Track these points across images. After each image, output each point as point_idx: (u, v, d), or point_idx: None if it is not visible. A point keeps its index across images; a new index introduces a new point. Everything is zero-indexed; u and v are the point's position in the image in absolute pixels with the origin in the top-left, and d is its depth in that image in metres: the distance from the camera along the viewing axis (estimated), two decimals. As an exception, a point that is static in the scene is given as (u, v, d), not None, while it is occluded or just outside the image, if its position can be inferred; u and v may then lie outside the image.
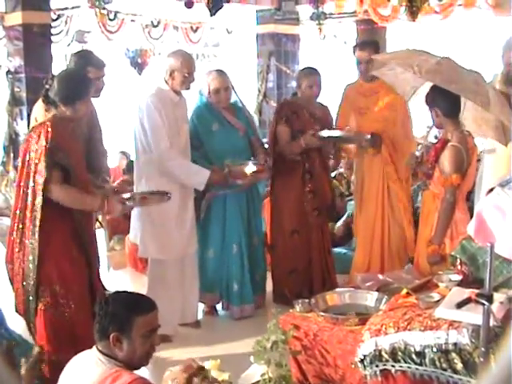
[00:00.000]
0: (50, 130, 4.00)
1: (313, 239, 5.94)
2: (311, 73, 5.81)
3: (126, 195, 4.70)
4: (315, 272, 5.95)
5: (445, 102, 4.41)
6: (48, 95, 4.16)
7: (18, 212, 4.13)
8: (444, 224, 4.42)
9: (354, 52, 5.83)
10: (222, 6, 7.68)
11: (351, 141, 5.82)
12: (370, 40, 6.39)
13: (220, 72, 5.63)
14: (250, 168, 5.46)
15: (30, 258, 4.05)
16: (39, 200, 4.01)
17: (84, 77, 4.36)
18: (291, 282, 5.86)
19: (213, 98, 5.58)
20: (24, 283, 4.12)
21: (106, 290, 4.45)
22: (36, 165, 4.01)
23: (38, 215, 4.01)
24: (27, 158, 4.07)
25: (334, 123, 6.02)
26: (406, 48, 5.15)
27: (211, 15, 7.79)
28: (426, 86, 4.66)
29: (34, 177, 4.03)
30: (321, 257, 6.00)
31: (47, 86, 4.17)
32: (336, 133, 5.70)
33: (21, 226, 4.11)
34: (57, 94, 4.11)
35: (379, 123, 5.70)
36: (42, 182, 3.98)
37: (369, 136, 5.59)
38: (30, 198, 4.05)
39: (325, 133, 5.63)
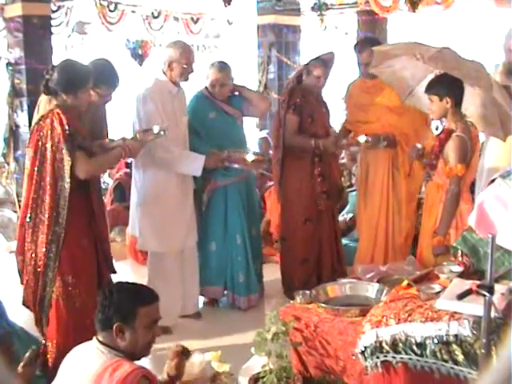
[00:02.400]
0: (63, 116, 4.01)
1: (324, 227, 5.95)
2: (322, 64, 5.76)
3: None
4: (325, 260, 5.97)
5: (458, 92, 4.41)
6: (48, 85, 4.16)
7: (30, 203, 4.12)
8: (449, 215, 4.41)
9: (355, 50, 5.77)
10: None
11: (369, 147, 5.76)
12: (370, 38, 6.26)
13: (222, 67, 5.61)
14: (250, 156, 5.49)
15: (53, 246, 4.04)
16: (67, 186, 4.01)
17: (85, 66, 4.36)
18: (302, 272, 5.87)
19: (210, 90, 5.60)
20: (36, 275, 4.11)
21: (111, 278, 4.47)
22: (54, 152, 4.01)
23: (66, 203, 4.02)
24: (40, 147, 4.06)
25: (330, 121, 6.10)
26: (403, 41, 5.14)
27: (226, 5, 7.73)
28: (423, 87, 4.67)
29: (52, 165, 4.02)
30: (331, 245, 6.02)
31: (47, 76, 4.17)
32: (355, 149, 5.87)
33: (33, 216, 4.10)
34: (58, 82, 4.11)
35: (387, 116, 5.63)
36: (68, 168, 3.99)
37: (385, 143, 5.57)
38: (45, 187, 4.04)
39: (346, 147, 5.79)
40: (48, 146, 4.02)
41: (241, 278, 5.68)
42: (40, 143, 4.06)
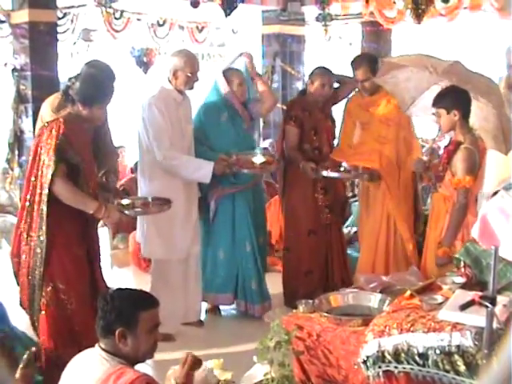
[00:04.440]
0: (62, 126, 4.03)
1: (329, 239, 5.95)
2: (326, 72, 5.80)
3: (126, 202, 4.68)
4: (336, 272, 5.97)
5: (466, 104, 4.43)
6: (68, 92, 4.19)
7: (27, 205, 4.14)
8: (456, 226, 4.41)
9: (352, 67, 5.74)
10: (236, 6, 7.67)
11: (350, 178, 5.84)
12: (366, 55, 6.24)
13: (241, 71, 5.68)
14: (258, 158, 5.47)
15: (38, 251, 4.06)
16: (45, 193, 4.01)
17: (107, 83, 4.37)
18: (306, 284, 5.85)
19: (235, 90, 5.60)
20: (29, 277, 4.13)
21: (108, 288, 4.46)
22: (46, 159, 4.03)
23: (45, 208, 4.02)
24: (38, 152, 4.09)
25: (335, 134, 6.06)
26: (412, 53, 5.14)
27: (226, 16, 7.77)
28: (425, 98, 4.67)
29: (42, 170, 4.04)
30: (339, 257, 6.03)
31: (69, 83, 4.20)
32: (335, 174, 5.63)
33: (29, 220, 4.12)
34: (78, 92, 4.13)
35: (379, 143, 5.63)
36: (49, 176, 3.99)
37: (366, 175, 5.57)
38: (38, 192, 4.07)
39: (325, 173, 5.57)
40: (43, 151, 4.05)
41: (253, 285, 5.63)
42: (38, 149, 4.09)
